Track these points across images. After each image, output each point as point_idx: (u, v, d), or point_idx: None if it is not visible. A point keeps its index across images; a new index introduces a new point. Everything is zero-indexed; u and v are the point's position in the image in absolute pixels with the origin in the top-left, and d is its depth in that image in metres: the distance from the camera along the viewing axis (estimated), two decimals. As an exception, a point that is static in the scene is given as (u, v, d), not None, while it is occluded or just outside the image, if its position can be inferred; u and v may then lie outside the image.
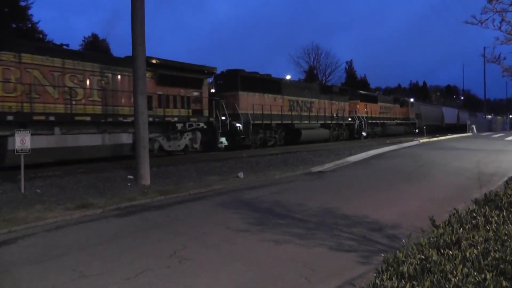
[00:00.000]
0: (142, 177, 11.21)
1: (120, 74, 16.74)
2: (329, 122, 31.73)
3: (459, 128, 59.26)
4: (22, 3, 33.32)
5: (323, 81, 64.46)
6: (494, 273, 3.23)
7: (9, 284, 4.65)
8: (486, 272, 3.21)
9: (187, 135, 19.80)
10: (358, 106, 36.73)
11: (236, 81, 23.43)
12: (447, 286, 3.07)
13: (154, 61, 17.69)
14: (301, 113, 28.30)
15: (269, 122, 24.92)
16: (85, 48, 44.66)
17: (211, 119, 20.80)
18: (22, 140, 9.87)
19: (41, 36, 34.90)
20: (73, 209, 8.21)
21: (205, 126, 20.33)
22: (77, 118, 15.00)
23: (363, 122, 36.35)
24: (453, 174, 13.19)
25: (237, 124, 22.67)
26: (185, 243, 6.02)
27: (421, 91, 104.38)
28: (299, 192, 10.52)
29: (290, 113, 27.03)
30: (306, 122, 28.65)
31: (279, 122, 25.93)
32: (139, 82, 11.36)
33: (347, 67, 79.77)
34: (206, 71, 20.85)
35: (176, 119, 18.82)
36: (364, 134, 36.51)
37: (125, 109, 16.59)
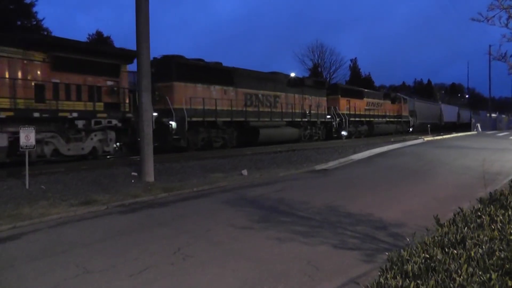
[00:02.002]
0: (146, 174, 11.23)
1: None
2: (299, 119, 27.39)
3: (460, 126, 58.15)
4: (27, 1, 33.40)
5: (328, 79, 64.18)
6: (499, 273, 3.21)
7: (13, 279, 4.67)
8: (491, 271, 3.19)
9: (95, 135, 15.54)
10: (339, 101, 32.73)
11: (170, 69, 19.32)
12: (451, 285, 3.05)
13: (46, 40, 14.83)
14: (261, 109, 24.24)
15: (213, 119, 20.68)
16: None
17: (128, 115, 16.41)
18: (27, 137, 9.89)
19: (46, 33, 34.96)
20: (77, 205, 8.24)
21: (119, 124, 15.96)
22: None
23: (343, 120, 32.27)
24: (458, 173, 13.15)
25: (170, 122, 18.58)
26: (189, 240, 6.03)
27: (425, 89, 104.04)
28: (303, 190, 10.50)
29: (244, 108, 23.04)
30: (266, 119, 24.44)
31: (228, 119, 21.82)
32: (143, 80, 11.36)
33: (351, 65, 79.51)
34: (124, 56, 16.63)
35: (75, 114, 14.66)
36: (344, 133, 32.50)
37: (3, 101, 12.97)
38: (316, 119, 29.44)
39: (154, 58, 19.76)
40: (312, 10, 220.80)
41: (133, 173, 11.80)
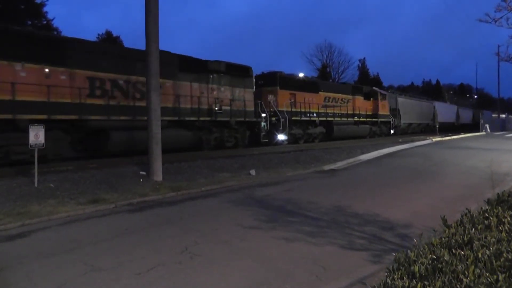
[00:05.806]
0: (154, 173, 11.28)
1: None
2: (194, 119, 18.53)
3: (459, 128, 55.98)
4: (38, 0, 33.70)
5: (336, 79, 63.85)
6: (507, 274, 3.20)
7: (22, 277, 4.72)
8: (498, 273, 3.19)
9: None
10: (277, 95, 24.48)
11: None
12: (458, 286, 3.05)
13: None
14: (122, 102, 15.79)
15: (9, 116, 12.41)
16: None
17: None
18: (36, 135, 9.97)
19: (56, 33, 35.25)
20: (85, 203, 8.30)
21: None
22: None
23: (282, 121, 23.76)
24: (466, 174, 13.06)
25: None
26: (197, 239, 6.05)
27: (434, 90, 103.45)
28: (310, 190, 10.49)
29: (79, 100, 14.31)
30: (126, 117, 15.74)
31: (44, 116, 13.07)
32: (152, 79, 11.41)
33: (360, 65, 79.25)
34: None
35: None
36: (282, 138, 24.13)
37: None
38: (228, 118, 20.36)
39: None
40: (320, 10, 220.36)
41: (141, 172, 11.86)
